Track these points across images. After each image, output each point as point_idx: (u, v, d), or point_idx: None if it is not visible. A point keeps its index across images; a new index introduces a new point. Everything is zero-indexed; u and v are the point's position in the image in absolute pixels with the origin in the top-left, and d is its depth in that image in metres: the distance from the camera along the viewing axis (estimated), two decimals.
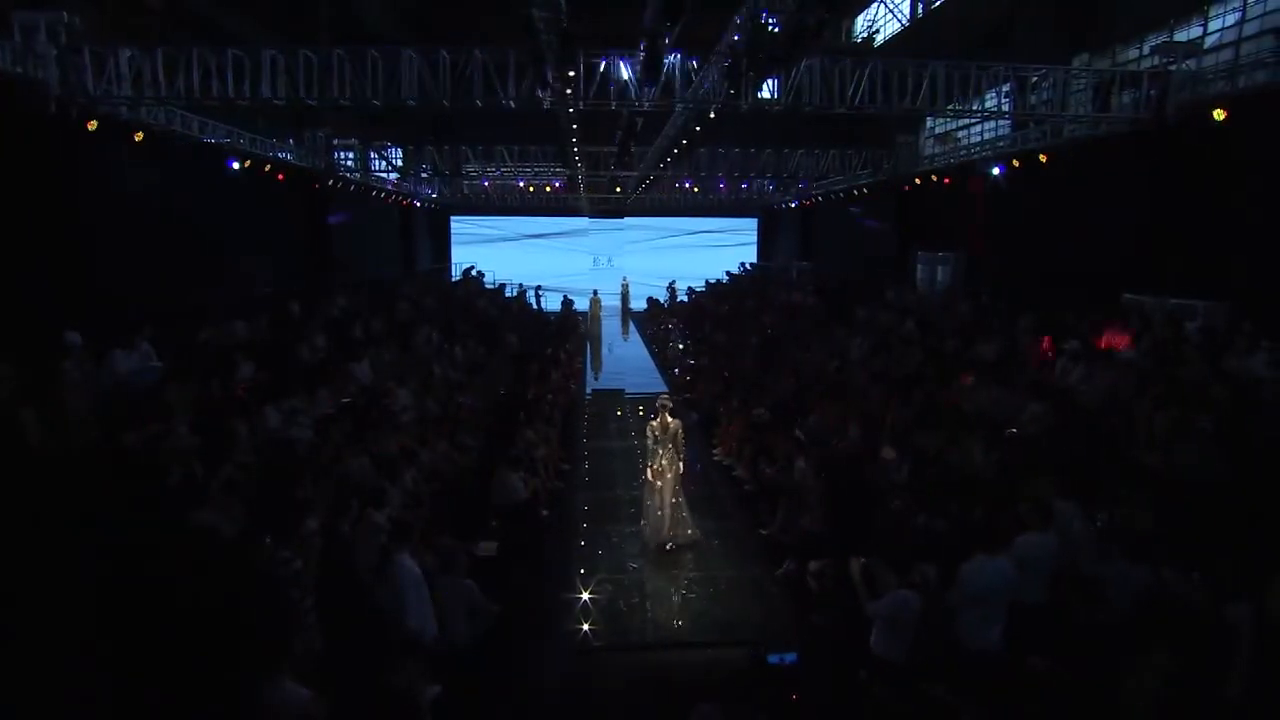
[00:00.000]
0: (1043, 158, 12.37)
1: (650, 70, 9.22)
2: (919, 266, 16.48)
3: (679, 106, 10.94)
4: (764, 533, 8.67)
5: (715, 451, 11.75)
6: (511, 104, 10.21)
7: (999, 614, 5.26)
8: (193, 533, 5.58)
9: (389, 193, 21.39)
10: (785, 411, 11.20)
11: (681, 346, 17.97)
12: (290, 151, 16.10)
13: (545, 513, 9.42)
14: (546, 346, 16.83)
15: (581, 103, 10.47)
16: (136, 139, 10.55)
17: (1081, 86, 11.86)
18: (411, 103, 10.26)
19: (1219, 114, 9.33)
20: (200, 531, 5.60)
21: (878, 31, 24.70)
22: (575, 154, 15.58)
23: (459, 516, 8.58)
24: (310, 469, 7.38)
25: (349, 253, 18.16)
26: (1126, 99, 11.02)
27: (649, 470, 8.49)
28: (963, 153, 16.32)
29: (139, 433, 6.75)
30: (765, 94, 11.25)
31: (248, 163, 13.17)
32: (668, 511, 8.32)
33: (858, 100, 10.75)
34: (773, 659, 4.31)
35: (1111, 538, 5.56)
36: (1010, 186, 13.92)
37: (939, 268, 15.73)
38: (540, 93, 10.23)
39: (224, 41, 10.54)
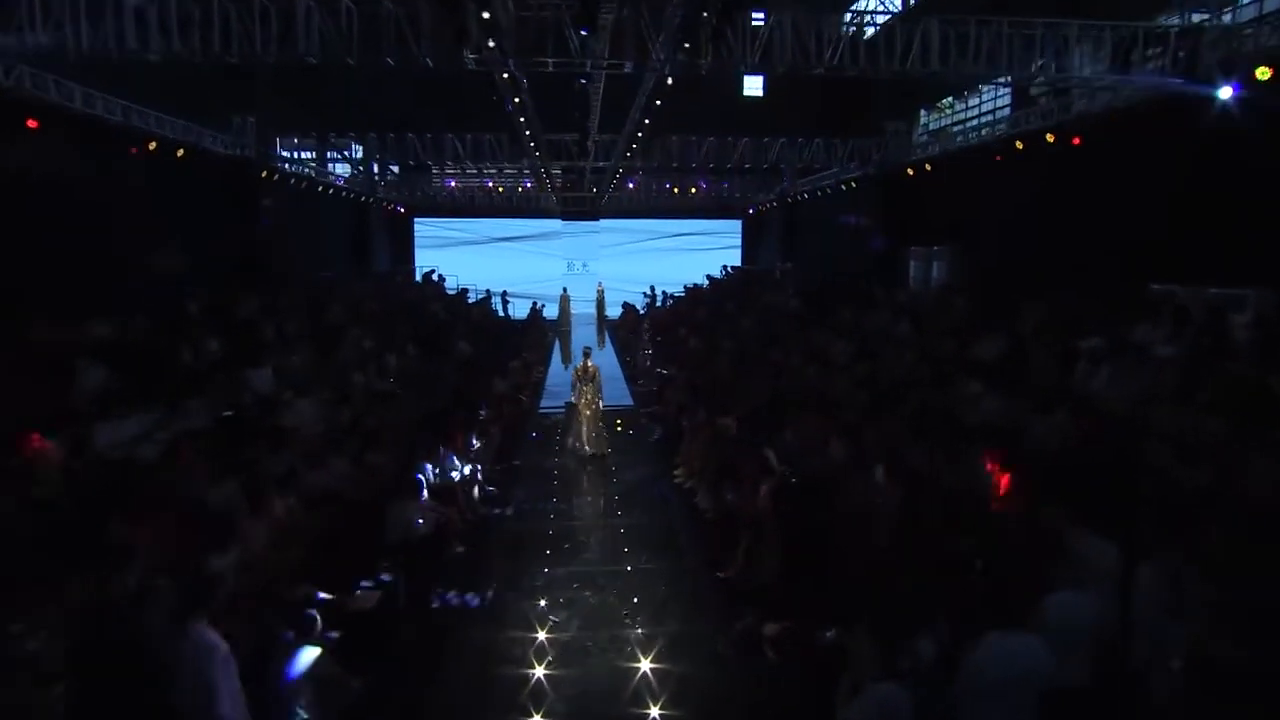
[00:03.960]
0: (1050, 137, 10.88)
1: (584, 11, 7.77)
2: (912, 263, 15.08)
3: (628, 67, 9.49)
4: (721, 575, 7.11)
5: (676, 472, 10.20)
6: (429, 61, 8.73)
7: (1027, 708, 3.73)
8: None
9: (338, 188, 19.88)
10: (757, 425, 9.71)
11: (649, 351, 16.47)
12: (221, 139, 14.56)
13: (460, 549, 7.87)
14: (502, 353, 15.33)
15: (511, 61, 9.00)
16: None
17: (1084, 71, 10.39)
18: (312, 60, 8.77)
19: (1263, 72, 7.92)
20: None
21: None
22: (528, 135, 14.10)
23: (347, 555, 7.02)
24: (141, 499, 5.84)
25: (286, 251, 16.64)
26: (1150, 69, 9.59)
27: (576, 402, 11.12)
28: (959, 139, 14.96)
29: None
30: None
31: (151, 145, 11.62)
32: (587, 433, 10.90)
33: (837, 60, 9.32)
34: None
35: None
36: (1009, 170, 12.56)
37: (934, 263, 14.33)
38: (464, 51, 8.75)
39: None
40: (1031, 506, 5.73)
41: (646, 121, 12.89)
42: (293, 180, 16.52)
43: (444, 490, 8.28)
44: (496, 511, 9.02)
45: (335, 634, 5.81)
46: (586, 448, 10.92)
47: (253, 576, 5.93)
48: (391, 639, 6.23)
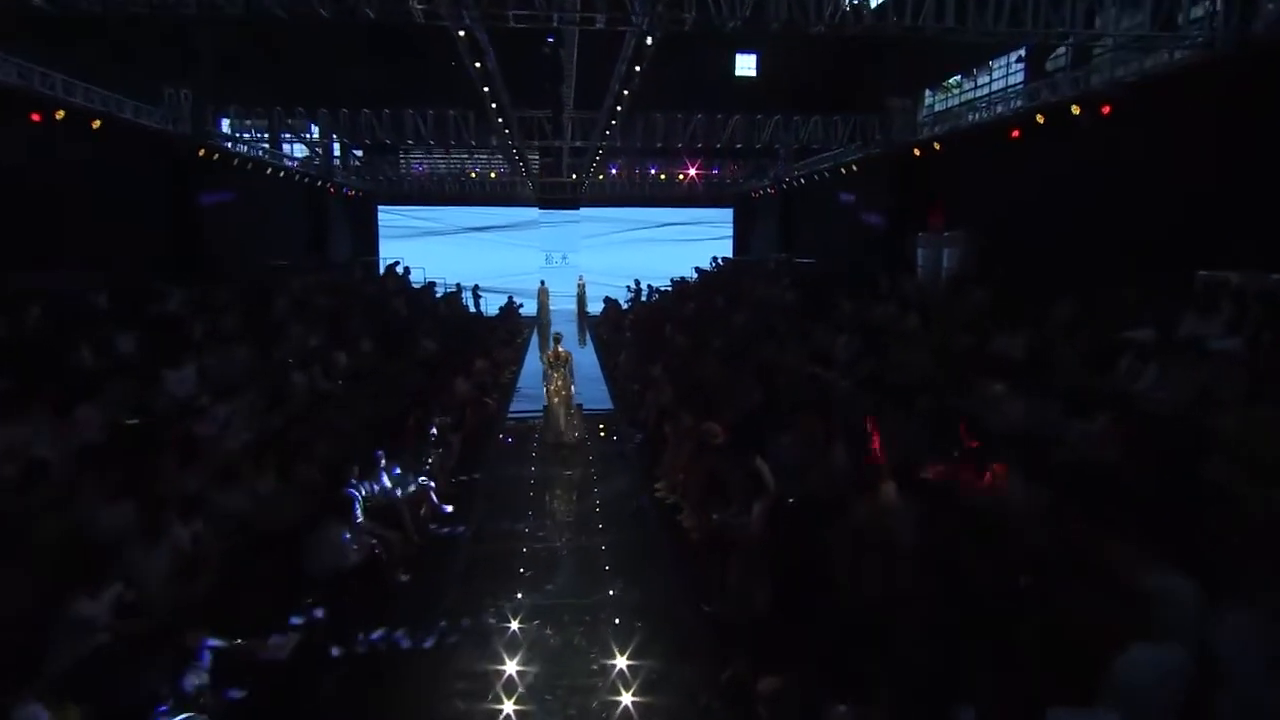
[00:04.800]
0: (1075, 109, 10.21)
1: None
2: (920, 251, 14.39)
3: (600, 22, 8.72)
4: (707, 610, 6.35)
5: (657, 485, 9.44)
6: (370, 13, 7.94)
7: None
8: None
9: (291, 172, 18.97)
10: (748, 432, 8.97)
11: (633, 349, 15.73)
12: (152, 112, 13.57)
13: (405, 578, 7.08)
14: (467, 351, 14.51)
15: (467, 15, 8.22)
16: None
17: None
18: (233, 11, 7.96)
19: None
20: None
21: None
22: (495, 108, 13.29)
23: (264, 590, 6.21)
24: None
25: (229, 240, 15.74)
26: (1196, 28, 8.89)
27: (546, 390, 11.49)
28: (972, 116, 14.30)
29: None
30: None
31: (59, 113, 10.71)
32: (561, 420, 11.20)
33: (839, 19, 8.60)
34: None
35: None
36: (1029, 148, 11.93)
37: (944, 250, 13.64)
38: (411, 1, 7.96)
39: None
40: (1078, 533, 5.03)
41: (626, 93, 12.12)
42: (236, 161, 15.61)
43: (388, 509, 7.50)
44: (451, 532, 8.23)
45: (239, 691, 5.08)
46: (564, 439, 11.22)
47: (141, 619, 5.16)
48: (311, 693, 5.45)
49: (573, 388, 11.56)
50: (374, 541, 6.67)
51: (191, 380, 8.82)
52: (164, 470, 6.77)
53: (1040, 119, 11.04)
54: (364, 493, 7.34)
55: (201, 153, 14.05)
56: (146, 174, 13.39)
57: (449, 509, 8.63)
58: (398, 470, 7.94)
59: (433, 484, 8.59)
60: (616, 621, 6.32)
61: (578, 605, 6.65)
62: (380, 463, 7.82)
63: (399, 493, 7.82)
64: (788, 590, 5.92)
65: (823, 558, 5.99)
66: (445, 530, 8.23)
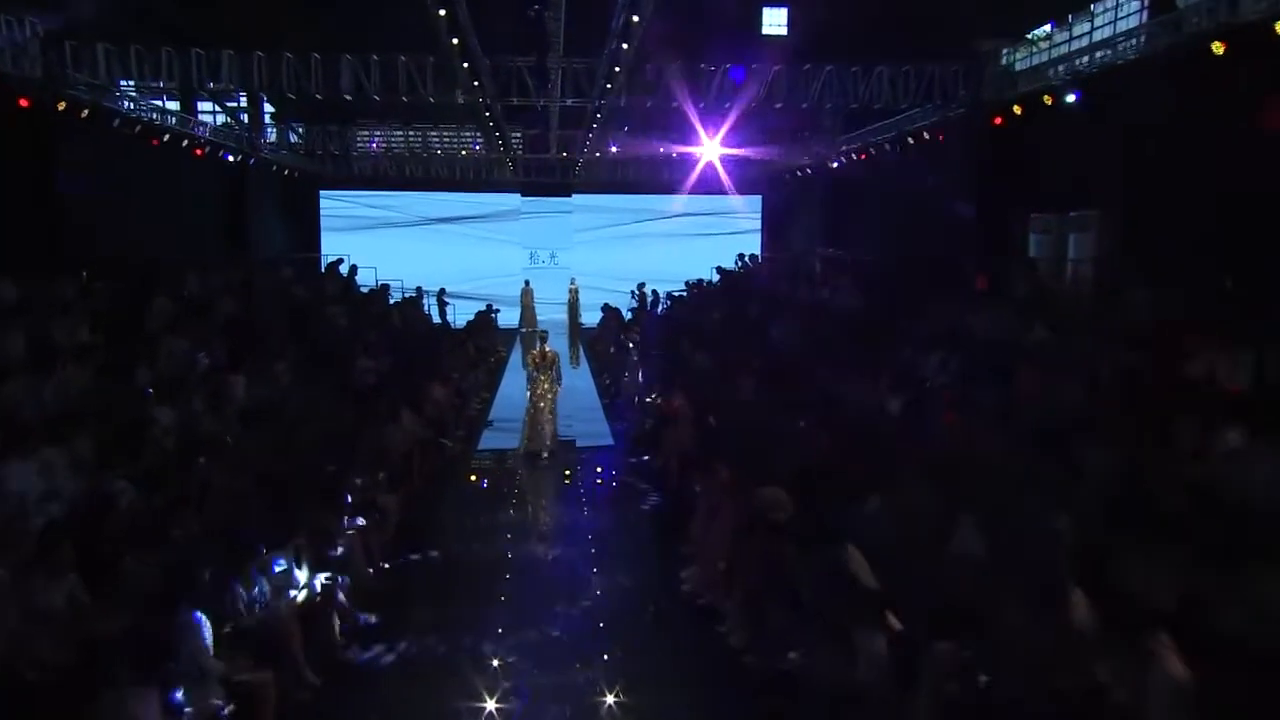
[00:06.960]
0: None
1: None
2: (1033, 237, 12.53)
3: None
4: None
5: (684, 575, 7.41)
6: None
7: None
8: None
9: (196, 140, 17.04)
10: (812, 494, 7.02)
11: (628, 376, 14.08)
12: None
13: None
14: (420, 376, 12.61)
15: None
16: None
17: None
18: None
19: None
20: None
21: None
22: (455, 44, 11.39)
23: None
24: None
25: (106, 227, 13.89)
26: None
27: (531, 394, 11.88)
28: (1101, 56, 12.48)
29: None
30: None
31: None
32: (545, 428, 11.78)
33: None
34: None
35: None
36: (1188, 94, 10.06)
37: (1069, 236, 11.79)
38: None
39: None
40: None
41: (636, 19, 10.31)
42: (118, 122, 13.69)
43: (262, 632, 5.47)
44: (371, 659, 6.20)
45: None
46: (546, 444, 11.70)
47: None
48: None
49: (559, 390, 11.99)
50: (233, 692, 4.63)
51: None
52: None
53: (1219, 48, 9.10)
54: (227, 604, 5.37)
55: (62, 106, 12.10)
56: None
57: (370, 619, 6.59)
58: (280, 564, 5.89)
59: (346, 580, 6.58)
60: None
61: None
62: (260, 554, 5.81)
63: (286, 600, 5.80)
64: None
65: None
66: (363, 655, 6.19)
